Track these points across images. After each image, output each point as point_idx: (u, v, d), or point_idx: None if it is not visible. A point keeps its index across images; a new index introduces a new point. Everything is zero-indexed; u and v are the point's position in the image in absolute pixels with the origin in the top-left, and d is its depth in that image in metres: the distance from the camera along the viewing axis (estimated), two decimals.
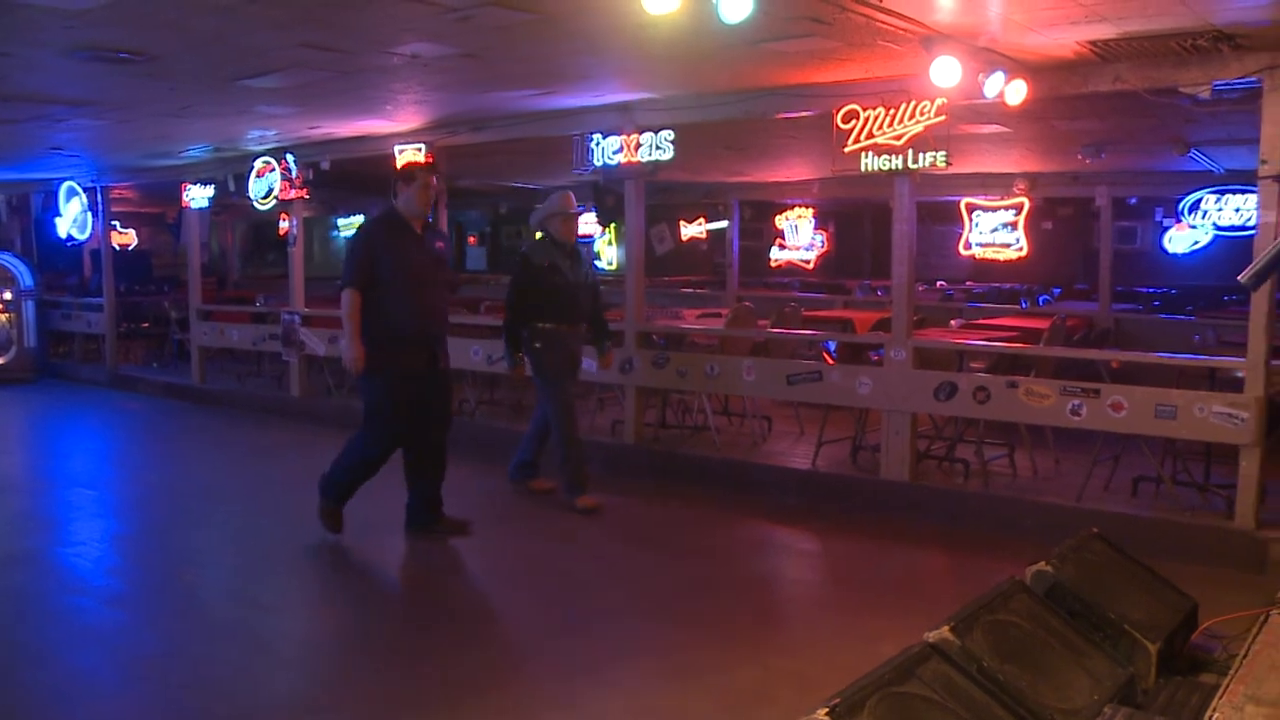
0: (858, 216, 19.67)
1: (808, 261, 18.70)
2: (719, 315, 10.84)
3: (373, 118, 9.36)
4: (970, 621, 3.43)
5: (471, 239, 24.95)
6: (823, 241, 18.88)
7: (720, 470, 8.21)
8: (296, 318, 11.46)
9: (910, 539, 6.87)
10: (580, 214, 7.66)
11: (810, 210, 18.33)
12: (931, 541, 6.80)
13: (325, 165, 11.07)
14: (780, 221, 18.67)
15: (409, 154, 9.87)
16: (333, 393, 11.45)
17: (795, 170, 13.55)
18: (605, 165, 8.54)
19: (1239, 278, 1.83)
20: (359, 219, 20.49)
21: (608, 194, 8.74)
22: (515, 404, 10.26)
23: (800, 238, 18.58)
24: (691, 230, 18.91)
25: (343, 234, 22.29)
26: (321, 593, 6.11)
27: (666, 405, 9.35)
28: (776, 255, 18.88)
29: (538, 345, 7.34)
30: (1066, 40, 5.60)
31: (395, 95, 8.17)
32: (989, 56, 5.99)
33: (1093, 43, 5.61)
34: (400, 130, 9.91)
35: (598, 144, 8.52)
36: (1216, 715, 3.37)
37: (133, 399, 13.22)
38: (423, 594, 6.03)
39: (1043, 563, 4.19)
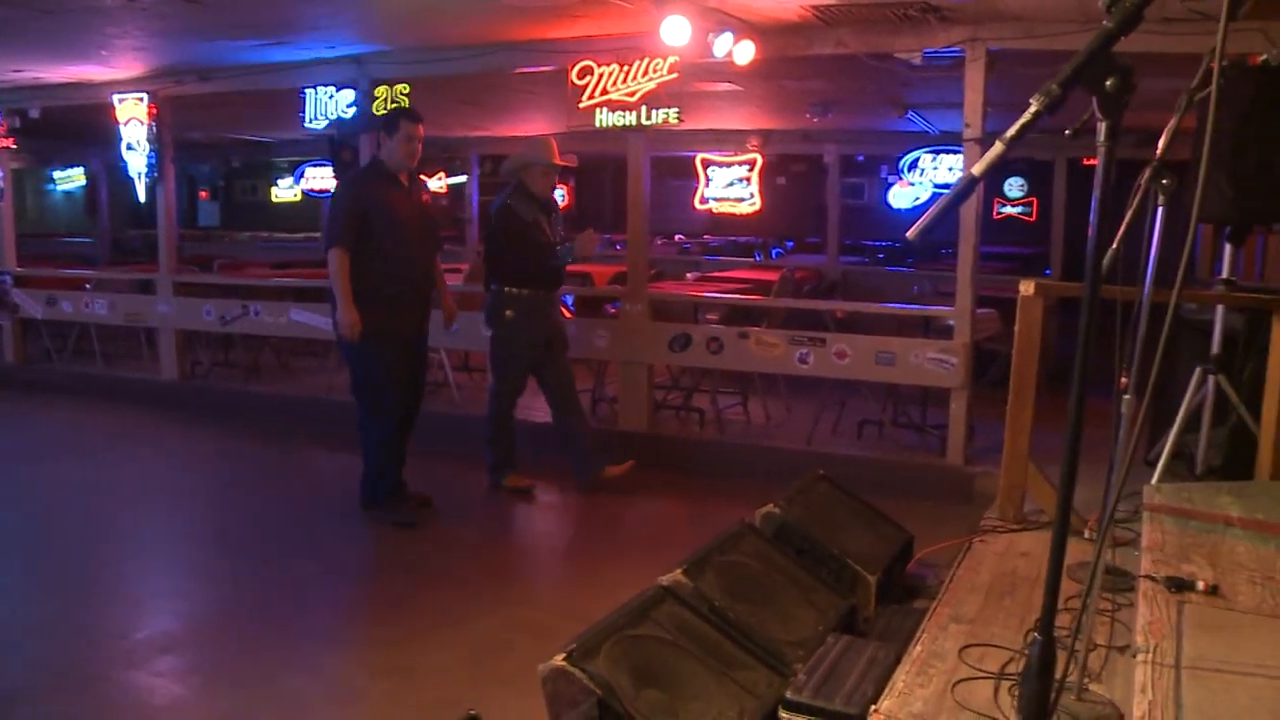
0: (598, 171, 19.83)
1: None
2: (459, 271, 10.76)
3: (87, 63, 8.73)
4: (702, 564, 3.59)
5: (203, 193, 23.78)
6: (563, 196, 18.97)
7: (460, 427, 8.16)
8: (8, 278, 10.66)
9: (649, 488, 7.00)
10: (560, 168, 6.67)
11: None
12: (669, 489, 7.00)
13: (34, 113, 10.22)
14: None
15: (130, 104, 9.30)
16: (53, 358, 10.73)
17: (534, 125, 13.52)
18: (340, 119, 8.31)
19: (908, 234, 1.97)
20: (78, 171, 19.22)
21: (343, 148, 8.51)
22: (251, 365, 9.90)
23: None
24: (431, 185, 18.62)
25: (60, 188, 20.76)
26: None
27: None
28: None
29: (509, 314, 6.49)
30: (792, 4, 5.82)
31: (110, 40, 7.65)
32: (719, 17, 6.15)
33: (816, 7, 5.86)
34: (121, 78, 9.30)
35: (331, 97, 8.29)
36: (924, 635, 3.67)
37: None
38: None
39: (771, 505, 4.43)
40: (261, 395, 9.29)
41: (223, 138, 15.54)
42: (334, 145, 8.48)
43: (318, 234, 17.10)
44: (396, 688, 4.04)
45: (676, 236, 18.12)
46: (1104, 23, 1.82)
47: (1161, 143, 3.75)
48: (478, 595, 5.03)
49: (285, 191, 20.39)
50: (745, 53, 6.35)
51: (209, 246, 16.48)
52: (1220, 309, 5.70)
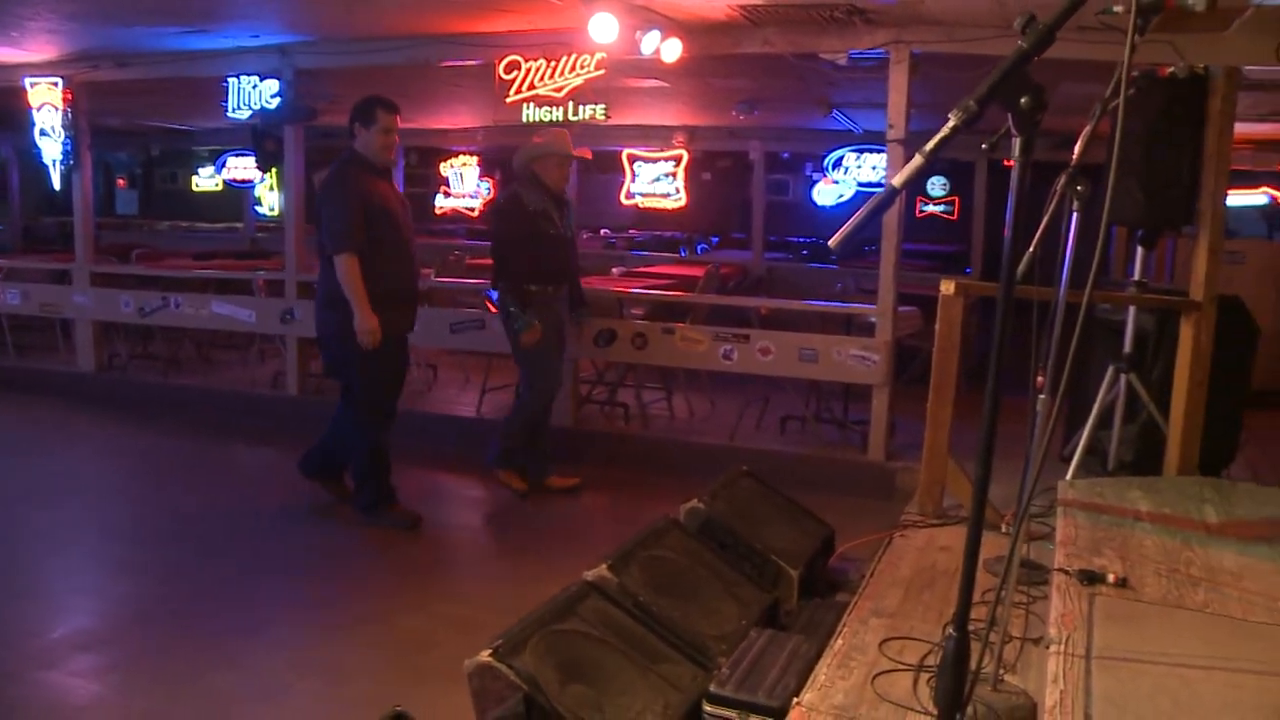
0: None
1: (473, 209, 18.66)
2: None
3: None
4: (627, 559, 3.63)
5: (121, 181, 23.28)
6: (488, 189, 18.88)
7: None
8: None
9: None
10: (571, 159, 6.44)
11: (475, 158, 18.29)
12: (594, 484, 7.00)
13: None
14: (445, 169, 18.53)
15: (43, 89, 9.07)
16: None
17: (460, 118, 13.48)
18: (264, 109, 8.20)
19: (829, 243, 2.02)
20: None
21: (267, 138, 8.39)
22: (171, 357, 9.74)
23: (465, 185, 18.50)
24: None
25: None
26: None
27: None
28: (442, 203, 18.72)
29: (515, 310, 6.20)
30: (719, 3, 5.87)
31: (22, 21, 7.44)
32: (646, 14, 6.18)
33: (743, 7, 5.91)
34: (33, 61, 9.05)
35: (255, 86, 8.18)
36: (846, 629, 3.74)
37: None
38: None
39: (695, 500, 4.48)
40: (182, 388, 9.14)
41: (142, 125, 15.22)
42: (257, 135, 8.35)
43: (239, 224, 16.87)
44: (322, 685, 4.02)
45: (602, 231, 18.14)
46: (1019, 43, 1.89)
47: (1077, 149, 3.87)
48: (403, 592, 5.02)
49: (206, 181, 20.04)
50: (672, 50, 6.39)
51: (127, 235, 16.09)
52: (1132, 309, 5.87)
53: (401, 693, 3.82)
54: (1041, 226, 2.87)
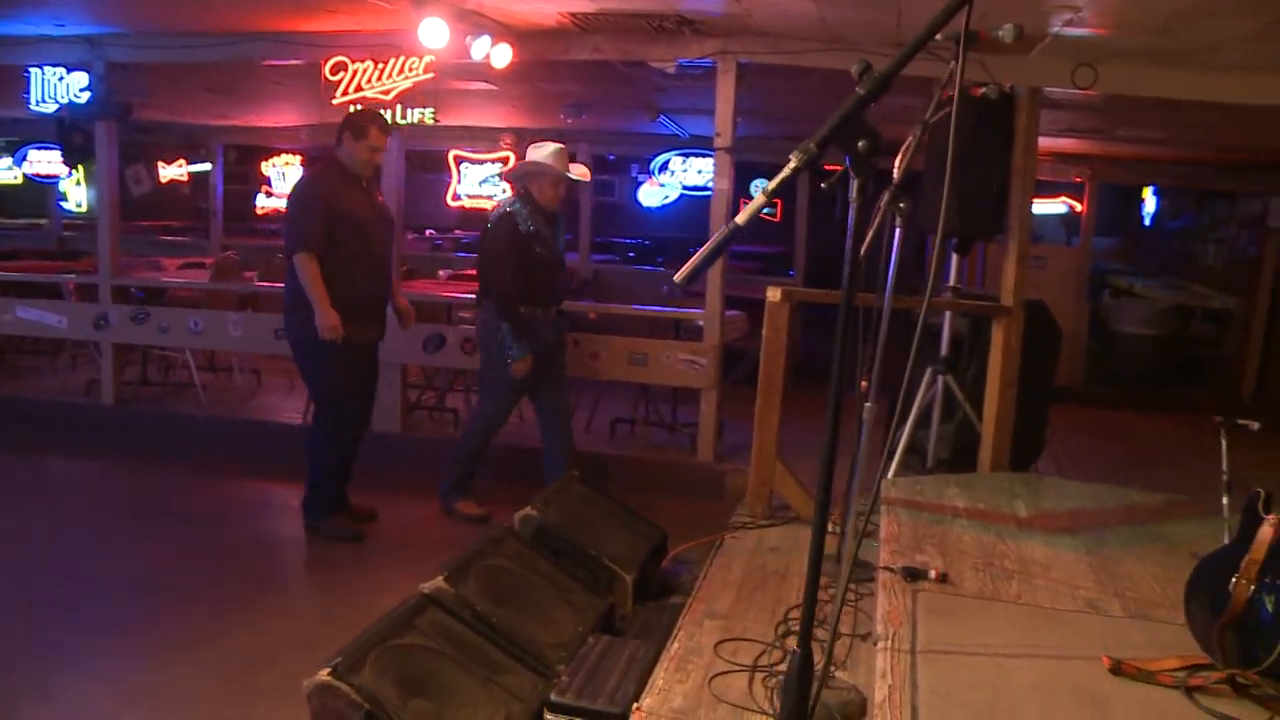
0: None
1: None
2: (203, 265, 10.33)
3: None
4: (464, 569, 3.61)
5: None
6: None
7: (208, 429, 7.87)
8: None
9: (401, 488, 6.93)
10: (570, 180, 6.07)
11: (299, 157, 17.82)
12: (424, 490, 6.89)
13: None
14: (267, 168, 17.98)
15: None
16: None
17: (284, 117, 13.13)
18: (72, 103, 7.82)
19: (674, 278, 2.09)
20: None
21: (74, 132, 8.00)
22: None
23: (288, 185, 17.99)
24: (171, 172, 17.74)
25: None
26: None
27: (147, 362, 8.83)
28: (264, 203, 18.16)
29: (507, 337, 5.87)
30: (550, 10, 5.88)
31: None
32: (477, 20, 6.14)
33: (574, 15, 5.94)
34: None
35: (61, 79, 7.79)
36: (681, 632, 3.81)
37: None
38: None
39: (529, 507, 4.48)
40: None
41: None
42: (63, 129, 7.95)
43: (43, 220, 16.04)
44: (150, 712, 3.84)
45: (427, 232, 17.91)
46: (857, 89, 1.98)
47: (898, 166, 4.05)
48: (232, 609, 4.83)
49: (4, 173, 18.95)
50: (503, 56, 6.36)
51: None
52: (948, 314, 6.15)
53: (237, 715, 3.71)
54: (866, 242, 2.98)
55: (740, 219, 2.00)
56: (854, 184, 2.06)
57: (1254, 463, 4.61)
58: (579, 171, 6.06)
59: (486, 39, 6.18)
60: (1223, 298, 11.43)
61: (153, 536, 5.86)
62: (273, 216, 18.04)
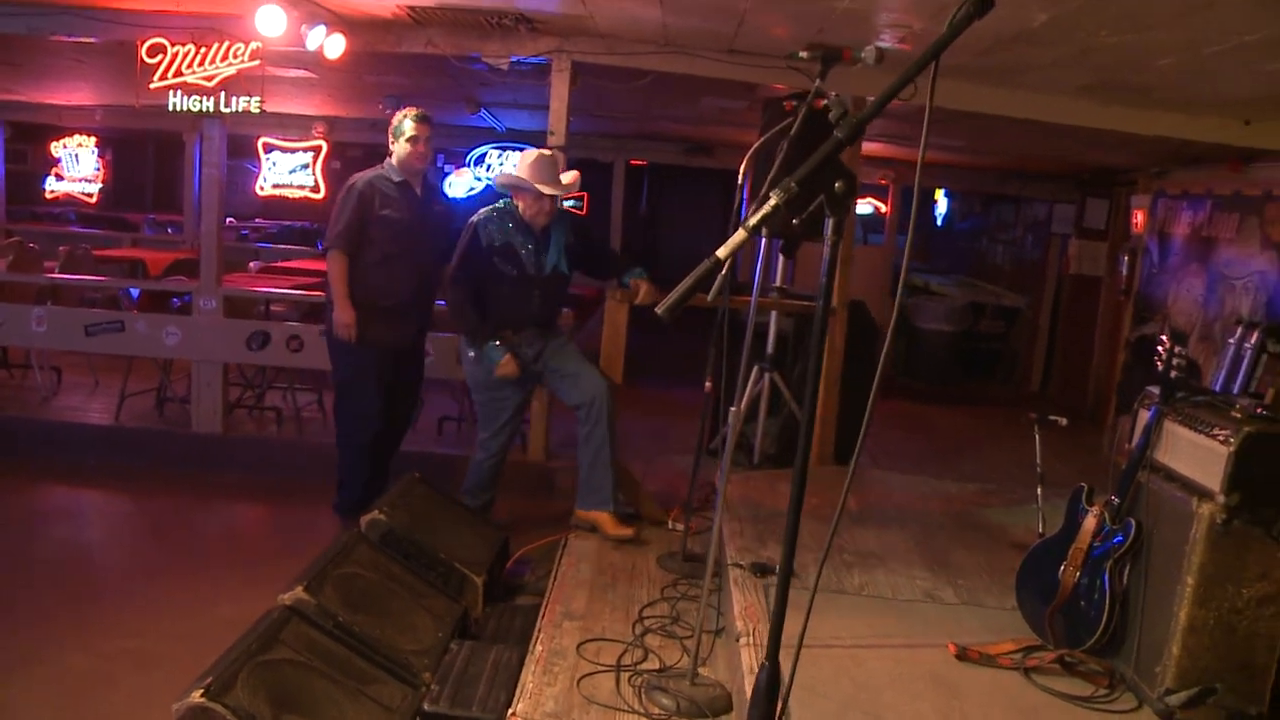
0: (140, 144, 18.38)
1: (90, 195, 17.21)
2: None
3: None
4: (321, 578, 3.55)
5: None
6: (101, 170, 17.47)
7: (3, 430, 7.41)
8: None
9: (229, 492, 6.72)
10: (558, 198, 5.41)
11: (93, 139, 16.92)
12: (251, 493, 6.72)
13: None
14: (57, 148, 16.98)
15: None
16: None
17: (79, 95, 12.41)
18: None
19: (657, 310, 2.13)
20: None
21: None
22: None
23: (82, 168, 17.06)
24: None
25: None
26: None
27: None
28: (54, 186, 17.15)
29: (472, 354, 5.37)
30: (387, 2, 5.78)
31: None
32: (312, 8, 5.98)
33: (410, 7, 5.84)
34: None
35: None
36: (542, 634, 3.85)
37: None
38: None
39: (376, 511, 4.42)
40: None
41: None
42: None
43: None
44: None
45: (229, 220, 17.24)
46: (835, 133, 2.07)
47: (743, 170, 4.22)
48: (64, 628, 4.47)
49: None
50: (336, 46, 6.21)
51: None
52: (774, 313, 6.36)
53: None
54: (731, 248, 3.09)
55: (721, 253, 2.07)
56: (830, 223, 2.15)
57: (1053, 453, 4.99)
58: (566, 182, 5.37)
59: (322, 29, 6.03)
60: (1012, 296, 12.12)
61: None
62: (64, 200, 17.05)
